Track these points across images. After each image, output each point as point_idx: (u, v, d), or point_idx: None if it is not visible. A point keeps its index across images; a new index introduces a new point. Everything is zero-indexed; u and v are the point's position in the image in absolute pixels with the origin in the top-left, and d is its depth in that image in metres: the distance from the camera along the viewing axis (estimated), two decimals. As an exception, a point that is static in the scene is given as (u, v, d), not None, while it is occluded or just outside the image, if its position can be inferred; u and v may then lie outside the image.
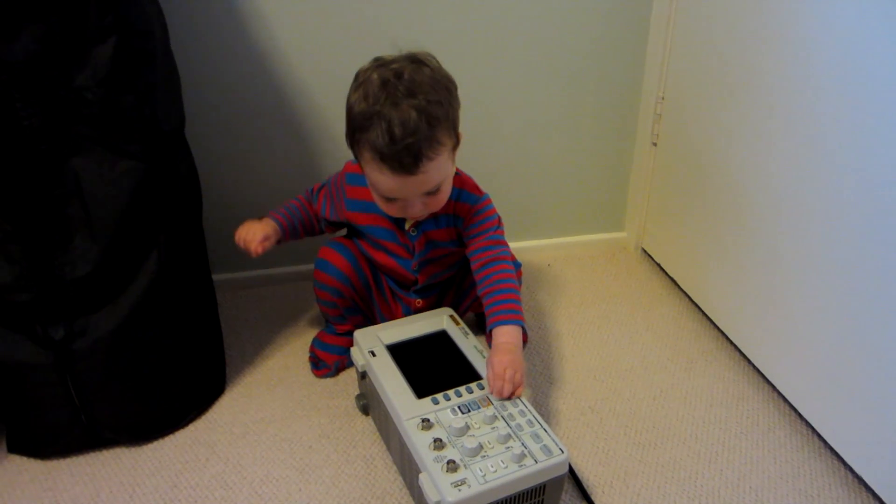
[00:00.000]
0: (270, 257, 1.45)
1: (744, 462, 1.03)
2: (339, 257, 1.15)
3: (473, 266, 1.09)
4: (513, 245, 1.51)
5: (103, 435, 1.04)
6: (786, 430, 1.09)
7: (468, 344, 1.05)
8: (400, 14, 1.25)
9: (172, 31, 1.01)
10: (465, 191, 1.08)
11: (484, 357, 1.01)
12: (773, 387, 1.15)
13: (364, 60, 1.25)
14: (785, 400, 1.13)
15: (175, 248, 1.01)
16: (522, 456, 0.85)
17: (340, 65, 1.27)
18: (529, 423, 0.90)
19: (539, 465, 0.84)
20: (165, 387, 1.06)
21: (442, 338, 1.08)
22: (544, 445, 0.87)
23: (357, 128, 0.91)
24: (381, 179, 0.92)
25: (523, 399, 0.94)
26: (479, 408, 0.92)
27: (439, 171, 0.94)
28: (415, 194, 0.95)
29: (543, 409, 1.14)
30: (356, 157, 0.96)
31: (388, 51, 1.26)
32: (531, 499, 0.87)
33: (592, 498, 0.97)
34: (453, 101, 0.95)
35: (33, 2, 0.77)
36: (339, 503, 0.97)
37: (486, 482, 0.81)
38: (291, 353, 1.27)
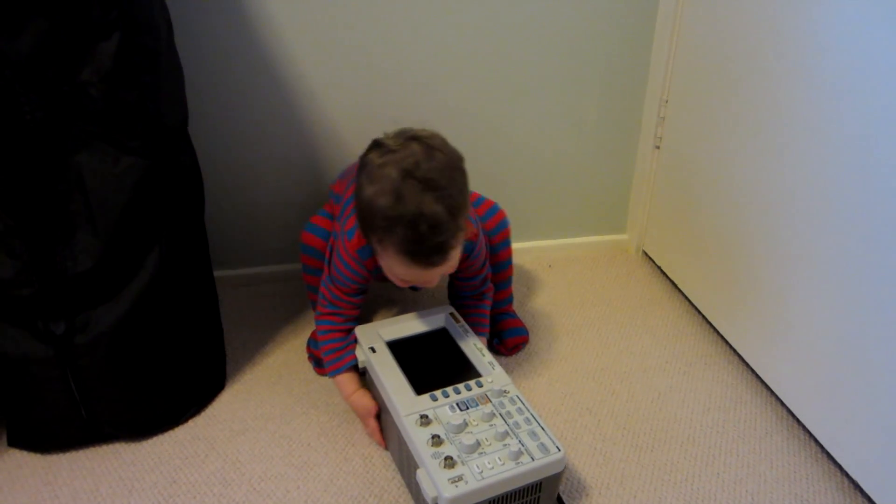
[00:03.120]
0: (271, 255, 1.46)
1: (740, 466, 1.04)
2: (329, 223, 1.16)
3: (458, 291, 1.16)
4: (514, 245, 1.52)
5: (103, 430, 1.04)
6: (783, 435, 1.09)
7: (468, 342, 1.05)
8: (405, 13, 1.25)
9: (177, 27, 1.02)
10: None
11: (483, 355, 1.02)
12: (771, 391, 1.15)
13: (367, 61, 1.28)
14: (782, 404, 1.13)
15: (177, 244, 1.02)
16: (519, 453, 0.85)
17: (344, 63, 1.28)
18: (527, 420, 0.91)
19: (535, 463, 0.85)
20: (166, 382, 1.06)
21: (442, 335, 1.09)
22: (541, 443, 0.87)
23: (379, 227, 0.88)
24: (406, 272, 0.92)
25: (521, 397, 0.95)
26: (477, 405, 0.93)
27: (459, 252, 0.94)
28: (435, 276, 0.96)
29: (542, 410, 1.14)
30: (374, 248, 0.94)
31: (390, 52, 1.28)
32: (528, 495, 0.87)
33: (564, 499, 0.98)
34: (466, 179, 0.93)
35: (38, -3, 0.77)
36: (338, 501, 0.98)
37: (483, 479, 0.82)
38: (292, 350, 1.28)
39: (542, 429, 0.90)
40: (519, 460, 0.85)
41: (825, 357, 1.01)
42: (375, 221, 0.88)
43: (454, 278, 1.16)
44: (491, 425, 0.90)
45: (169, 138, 0.97)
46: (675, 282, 1.45)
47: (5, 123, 0.83)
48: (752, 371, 1.20)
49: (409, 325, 1.09)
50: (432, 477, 0.83)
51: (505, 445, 0.87)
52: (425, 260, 0.89)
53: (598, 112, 1.44)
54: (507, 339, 1.26)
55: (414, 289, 1.15)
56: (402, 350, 1.04)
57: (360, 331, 1.07)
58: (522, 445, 0.87)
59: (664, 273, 1.50)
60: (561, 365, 1.24)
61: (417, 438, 0.88)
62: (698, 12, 1.25)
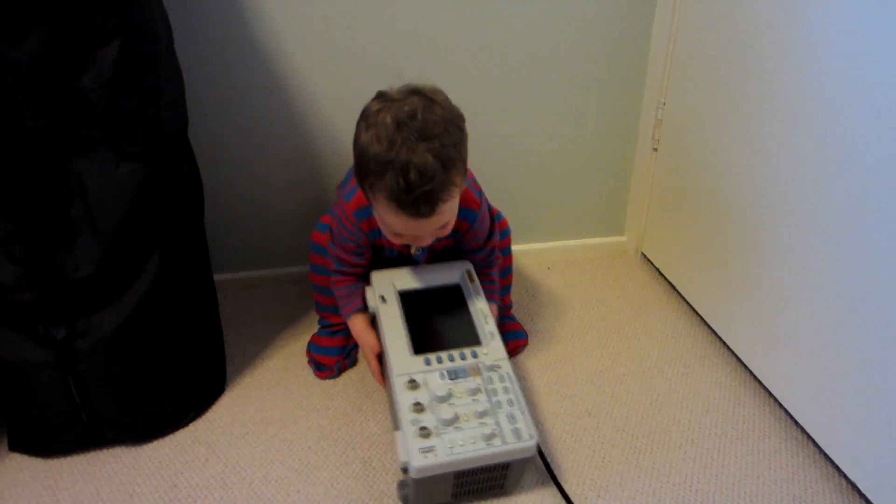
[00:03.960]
0: (271, 258, 1.47)
1: (739, 468, 1.04)
2: None
3: (463, 250, 1.15)
4: (513, 248, 1.52)
5: (104, 434, 1.05)
6: (781, 436, 1.09)
7: (477, 306, 1.07)
8: (404, 19, 1.26)
9: (176, 31, 1.02)
10: (463, 207, 1.05)
11: (487, 323, 1.04)
12: (769, 392, 1.16)
13: (367, 63, 1.28)
14: (781, 406, 1.13)
15: (177, 249, 1.02)
16: (492, 435, 0.89)
17: (344, 66, 1.28)
18: (510, 402, 0.94)
19: (506, 447, 0.88)
20: (166, 386, 1.07)
21: (454, 292, 1.10)
22: (516, 428, 0.90)
23: (371, 171, 0.88)
24: (395, 221, 0.92)
25: (511, 375, 0.97)
26: (466, 376, 0.96)
27: (452, 209, 0.94)
28: (426, 231, 0.96)
29: (541, 413, 1.14)
30: (367, 195, 0.94)
31: (390, 54, 1.28)
32: (494, 471, 0.91)
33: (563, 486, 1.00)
34: (464, 137, 0.93)
35: (39, 4, 0.78)
36: (337, 504, 0.98)
37: (452, 454, 0.87)
38: (291, 353, 1.28)
39: (522, 413, 0.92)
40: (491, 442, 0.88)
41: (822, 358, 1.01)
42: (369, 166, 0.88)
43: (461, 251, 1.16)
44: (474, 400, 0.93)
45: (169, 143, 0.97)
46: (674, 283, 1.46)
47: (6, 129, 0.83)
48: (750, 372, 1.21)
49: (424, 277, 1.11)
50: (407, 443, 0.88)
51: (481, 424, 0.90)
52: (413, 208, 0.88)
53: (597, 115, 1.45)
54: (507, 342, 1.25)
55: (411, 257, 1.14)
56: (411, 302, 1.07)
57: (376, 276, 1.10)
58: (498, 427, 0.90)
59: (662, 275, 1.50)
60: (560, 367, 1.25)
61: (402, 402, 0.92)
62: (694, 16, 1.25)
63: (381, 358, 1.08)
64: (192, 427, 1.11)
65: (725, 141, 1.19)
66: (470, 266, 1.13)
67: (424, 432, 0.88)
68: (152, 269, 0.98)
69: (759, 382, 1.18)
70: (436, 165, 0.85)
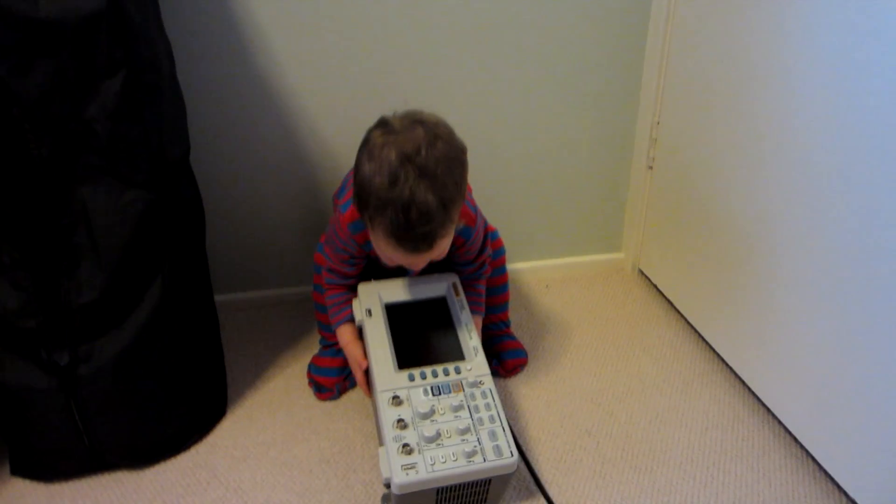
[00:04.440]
0: (271, 279, 1.48)
1: (739, 486, 1.05)
2: None
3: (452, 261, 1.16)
4: (512, 266, 1.54)
5: (106, 459, 1.05)
6: (780, 454, 1.10)
7: (462, 320, 1.09)
8: (401, 43, 1.28)
9: (178, 59, 1.04)
10: (459, 224, 1.05)
11: (472, 338, 1.06)
12: (769, 410, 1.16)
13: (366, 87, 1.30)
14: (780, 423, 1.14)
15: (179, 273, 1.03)
16: (473, 453, 0.91)
17: (342, 90, 1.30)
18: (492, 418, 0.95)
19: (486, 464, 0.90)
20: (168, 410, 1.07)
21: (440, 305, 1.12)
22: (497, 445, 0.92)
23: (372, 206, 0.88)
24: (393, 254, 0.93)
25: (493, 391, 0.99)
26: (449, 392, 0.98)
27: (448, 240, 0.95)
28: (423, 262, 0.97)
29: (541, 432, 1.15)
30: (366, 223, 0.94)
31: (388, 77, 1.30)
32: (476, 487, 0.93)
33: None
34: (465, 171, 0.94)
35: (46, 38, 0.79)
36: (340, 527, 0.99)
37: (433, 471, 0.89)
38: (293, 375, 1.28)
39: (503, 430, 0.94)
40: (472, 459, 0.90)
41: (821, 375, 1.02)
42: (369, 200, 0.88)
43: (451, 263, 1.16)
44: (456, 417, 0.95)
45: (172, 170, 0.98)
46: (671, 300, 1.47)
47: (12, 159, 0.84)
48: (749, 389, 1.21)
49: (411, 290, 1.13)
50: (390, 459, 0.90)
51: (463, 440, 0.92)
52: (411, 246, 0.89)
53: (592, 134, 1.46)
54: (506, 361, 1.27)
55: (402, 271, 1.15)
56: (397, 315, 1.09)
57: (363, 288, 1.12)
58: (479, 444, 0.92)
59: (660, 291, 1.51)
60: (559, 386, 1.25)
61: (386, 418, 0.94)
62: (686, 38, 1.27)
63: (367, 370, 1.09)
64: (193, 451, 1.11)
65: (720, 158, 1.21)
66: (456, 279, 1.15)
67: (407, 449, 0.91)
68: (154, 295, 0.99)
69: (758, 399, 1.19)
70: (437, 205, 0.86)
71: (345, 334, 1.14)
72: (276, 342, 1.37)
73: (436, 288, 1.13)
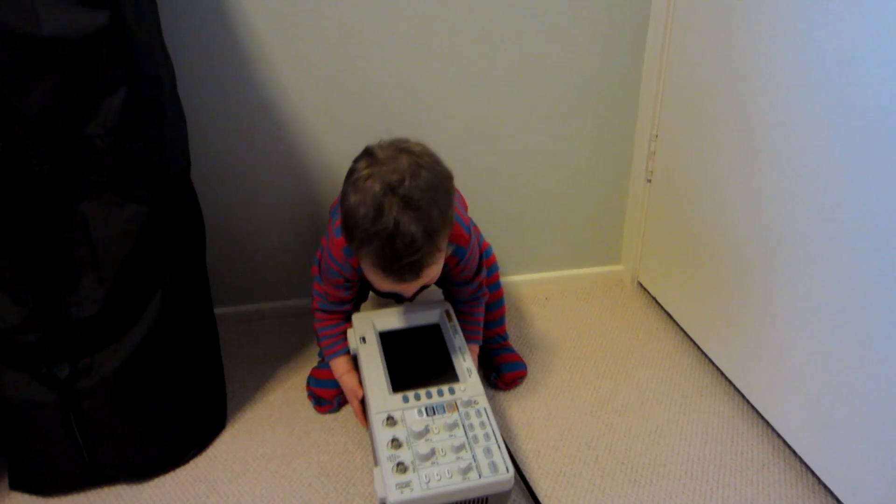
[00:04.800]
0: (271, 291, 1.48)
1: (739, 500, 1.04)
2: None
3: (452, 298, 1.18)
4: (510, 278, 1.54)
5: (105, 472, 1.05)
6: (780, 467, 1.10)
7: (455, 344, 1.10)
8: (400, 58, 1.29)
9: (180, 76, 1.04)
10: (451, 244, 1.06)
11: (464, 360, 1.08)
12: (768, 423, 1.16)
13: (364, 102, 1.30)
14: (779, 436, 1.14)
15: (179, 287, 1.03)
16: (468, 469, 0.90)
17: (341, 106, 1.31)
18: (486, 436, 0.95)
19: (482, 481, 0.90)
20: (167, 424, 1.07)
21: (433, 331, 1.14)
22: (493, 462, 0.92)
23: (357, 237, 0.89)
24: (381, 283, 0.94)
25: (487, 410, 0.99)
26: (444, 412, 0.98)
27: (436, 269, 0.95)
28: (412, 289, 0.98)
29: (541, 445, 1.15)
30: (353, 252, 0.94)
31: (386, 92, 1.30)
32: None
33: None
34: (451, 200, 0.94)
35: (48, 55, 0.80)
36: (339, 542, 0.98)
37: (429, 489, 0.89)
38: (292, 387, 1.28)
39: (499, 446, 0.94)
40: (467, 476, 0.90)
41: (820, 388, 1.02)
42: (355, 232, 0.89)
43: (448, 284, 1.17)
44: (451, 435, 0.95)
45: (172, 185, 0.99)
46: (670, 312, 1.47)
47: (14, 175, 0.85)
48: (749, 403, 1.21)
49: (404, 318, 1.14)
50: (384, 478, 0.90)
51: (458, 458, 0.92)
52: (398, 276, 0.90)
53: (591, 148, 1.47)
54: (505, 373, 1.27)
55: (397, 298, 1.17)
56: (391, 342, 1.11)
57: (357, 318, 1.14)
58: (474, 460, 0.92)
59: (659, 304, 1.52)
60: (559, 399, 1.26)
61: (380, 438, 0.95)
62: (684, 51, 1.28)
63: (363, 401, 1.09)
64: (192, 464, 1.11)
65: (718, 171, 1.21)
66: (449, 307, 1.17)
67: (401, 468, 0.91)
68: (154, 309, 0.99)
69: (757, 412, 1.19)
70: (422, 236, 0.87)
71: (340, 366, 1.15)
72: (276, 355, 1.37)
73: (429, 315, 1.15)
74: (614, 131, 1.46)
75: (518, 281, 1.59)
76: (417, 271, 0.90)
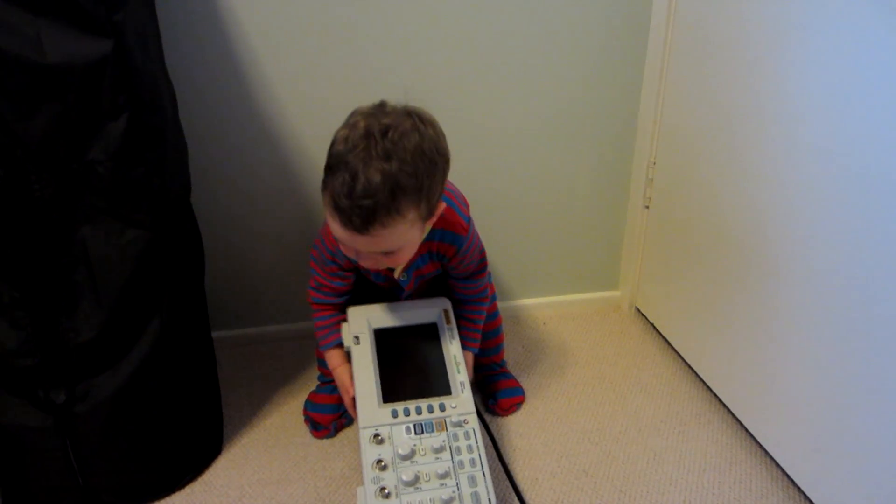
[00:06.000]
0: (268, 315, 1.48)
1: (737, 529, 1.04)
2: None
3: (453, 296, 1.15)
4: (509, 303, 1.55)
5: (100, 497, 1.04)
6: (778, 496, 1.09)
7: (450, 351, 1.08)
8: (401, 83, 1.30)
9: (181, 101, 1.06)
10: (448, 231, 1.04)
11: (459, 372, 1.05)
12: (766, 452, 1.16)
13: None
14: (777, 465, 1.13)
15: (177, 312, 1.03)
16: (451, 500, 0.90)
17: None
18: (472, 462, 0.95)
19: None
20: (164, 449, 1.07)
21: (430, 332, 1.10)
22: (476, 492, 0.92)
23: (328, 166, 0.87)
24: (333, 225, 0.89)
25: (476, 432, 0.99)
26: (433, 431, 0.97)
27: (394, 239, 0.89)
28: (363, 250, 0.92)
29: (539, 472, 1.14)
30: (322, 193, 0.91)
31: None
32: None
33: None
34: (435, 174, 0.90)
35: (51, 83, 0.81)
36: (335, 570, 0.97)
37: None
38: (289, 412, 1.28)
39: (484, 475, 0.94)
40: None
41: (819, 417, 1.02)
42: (329, 160, 0.87)
43: (449, 279, 1.15)
44: (437, 459, 0.95)
45: (172, 210, 0.99)
46: (668, 339, 1.47)
47: (15, 199, 0.85)
48: (747, 430, 1.21)
49: (401, 315, 1.11)
50: (367, 502, 0.90)
51: (442, 485, 0.92)
52: (346, 217, 0.85)
53: (590, 174, 1.48)
54: (503, 399, 1.27)
55: (396, 293, 1.16)
56: (385, 341, 1.08)
57: (352, 312, 1.10)
58: (457, 490, 0.92)
59: (657, 330, 1.52)
60: (557, 425, 1.25)
61: (366, 457, 0.94)
62: (682, 79, 1.29)
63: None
64: (188, 490, 1.11)
65: (716, 198, 1.22)
66: (448, 305, 1.13)
67: (384, 492, 0.91)
68: (152, 333, 0.99)
69: (756, 441, 1.19)
70: (382, 186, 0.82)
71: (333, 358, 1.14)
72: (273, 379, 1.37)
73: (427, 314, 1.12)
74: (612, 158, 1.48)
75: (516, 305, 1.59)
76: (367, 221, 0.84)
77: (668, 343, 1.47)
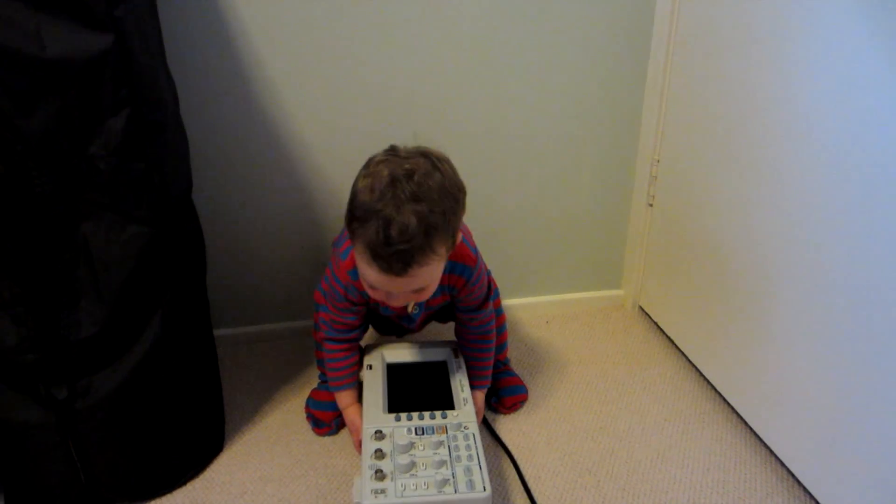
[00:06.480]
0: (270, 313, 1.48)
1: (742, 528, 1.03)
2: None
3: (459, 326, 1.18)
4: (512, 302, 1.54)
5: (101, 495, 1.04)
6: (783, 496, 1.09)
7: (457, 377, 1.13)
8: (404, 84, 1.30)
9: (183, 97, 1.05)
10: (458, 264, 1.06)
11: (464, 391, 1.10)
12: (771, 451, 1.15)
13: (366, 125, 1.31)
14: (783, 465, 1.13)
15: (179, 308, 1.03)
16: (445, 483, 0.92)
17: (343, 128, 1.31)
18: (469, 457, 0.96)
19: (457, 496, 0.91)
20: (165, 446, 1.06)
21: (440, 367, 1.16)
22: (470, 480, 0.93)
23: (356, 217, 0.89)
24: (369, 272, 0.92)
25: (476, 435, 1.00)
26: (433, 433, 1.00)
27: (428, 276, 0.93)
28: (398, 291, 0.95)
29: (541, 470, 1.14)
30: (351, 239, 0.94)
31: (389, 117, 1.31)
32: None
33: None
34: (458, 209, 0.94)
35: (52, 78, 0.80)
36: (336, 568, 0.97)
37: (402, 497, 0.90)
38: (291, 409, 1.28)
39: (480, 467, 0.95)
40: (443, 489, 0.91)
41: (824, 416, 1.01)
42: (356, 212, 0.89)
43: (456, 313, 1.16)
44: (435, 453, 0.97)
45: (173, 206, 0.99)
46: (672, 337, 1.46)
47: (16, 195, 0.85)
48: (751, 429, 1.20)
49: (414, 353, 1.19)
50: (362, 485, 0.92)
51: (437, 472, 0.93)
52: (385, 263, 0.87)
53: (593, 172, 1.47)
54: (506, 397, 1.27)
55: (399, 332, 1.19)
56: (396, 372, 1.15)
57: (368, 350, 1.19)
58: (453, 477, 0.93)
59: (661, 328, 1.51)
60: (560, 424, 1.24)
61: (366, 449, 0.97)
62: (686, 75, 1.29)
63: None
64: (189, 487, 1.10)
65: (719, 196, 1.22)
66: (457, 345, 1.20)
67: (379, 475, 0.92)
68: (154, 330, 0.99)
69: (761, 440, 1.18)
70: (417, 228, 0.86)
71: (344, 398, 1.16)
72: (275, 377, 1.37)
73: (438, 353, 1.19)
74: (616, 156, 1.47)
75: (519, 304, 1.58)
76: (406, 263, 0.87)
77: (672, 342, 1.46)
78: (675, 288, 1.42)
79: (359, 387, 1.16)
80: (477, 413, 1.12)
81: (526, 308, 1.59)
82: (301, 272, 1.44)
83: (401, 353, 1.19)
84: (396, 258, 0.87)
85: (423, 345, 1.21)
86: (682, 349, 1.42)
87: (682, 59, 1.30)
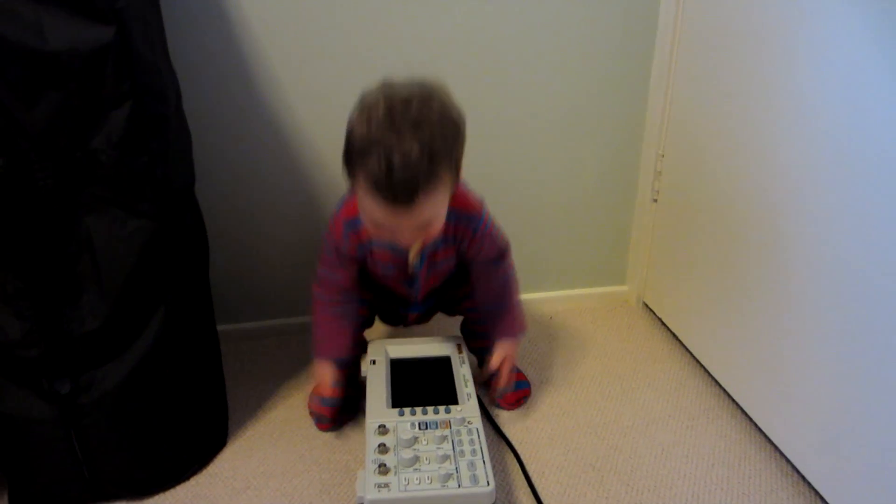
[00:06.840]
0: (273, 308, 1.47)
1: (746, 524, 1.03)
2: None
3: (480, 284, 1.17)
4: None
5: (105, 489, 1.04)
6: (788, 492, 1.08)
7: (460, 372, 1.13)
8: (408, 75, 1.29)
9: (185, 91, 1.05)
10: (462, 212, 1.04)
11: (467, 386, 1.10)
12: (776, 447, 1.14)
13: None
14: (787, 461, 1.12)
15: (182, 303, 1.03)
16: (448, 477, 0.92)
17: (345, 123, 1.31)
18: (473, 451, 0.97)
19: (460, 490, 0.91)
20: (168, 440, 1.07)
21: (443, 362, 1.17)
22: (474, 475, 0.93)
23: (356, 152, 0.86)
24: (373, 207, 0.88)
25: (479, 430, 1.01)
26: (436, 428, 1.00)
27: (434, 208, 0.90)
28: (405, 225, 0.91)
29: (544, 466, 1.13)
30: (350, 179, 0.91)
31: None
32: None
33: None
34: (459, 137, 0.91)
35: (54, 70, 0.80)
36: (339, 562, 0.97)
37: (406, 491, 0.90)
38: (294, 405, 1.28)
39: (483, 462, 0.95)
40: (446, 484, 0.92)
41: (829, 412, 1.00)
42: (354, 146, 0.86)
43: (478, 268, 1.15)
44: (438, 447, 0.97)
45: (176, 200, 0.99)
46: (676, 333, 1.46)
47: (18, 189, 0.85)
48: (756, 425, 1.19)
49: (417, 348, 1.20)
50: (366, 478, 0.92)
51: (440, 467, 0.94)
52: (391, 195, 0.84)
53: (597, 167, 1.47)
54: (509, 393, 1.26)
55: (405, 293, 1.17)
56: (400, 367, 1.16)
57: (372, 345, 1.20)
58: (456, 471, 0.93)
59: (665, 324, 1.50)
60: (563, 419, 1.24)
61: (369, 444, 0.98)
62: (691, 69, 1.28)
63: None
64: (193, 481, 1.10)
65: (724, 191, 1.21)
66: (461, 340, 1.20)
67: (383, 469, 0.93)
68: (157, 324, 0.99)
69: (765, 435, 1.17)
70: (421, 154, 0.82)
71: (323, 367, 1.15)
72: (278, 372, 1.37)
73: (442, 348, 1.19)
74: (620, 151, 1.46)
75: (523, 300, 1.56)
76: (412, 191, 0.84)
77: (676, 338, 1.45)
78: (680, 284, 1.41)
79: (349, 371, 1.17)
80: (508, 364, 1.16)
81: (530, 303, 1.58)
82: (304, 267, 1.42)
83: (404, 348, 1.19)
84: (402, 187, 0.84)
85: (426, 340, 1.21)
86: (687, 345, 1.42)
87: (687, 53, 1.29)
